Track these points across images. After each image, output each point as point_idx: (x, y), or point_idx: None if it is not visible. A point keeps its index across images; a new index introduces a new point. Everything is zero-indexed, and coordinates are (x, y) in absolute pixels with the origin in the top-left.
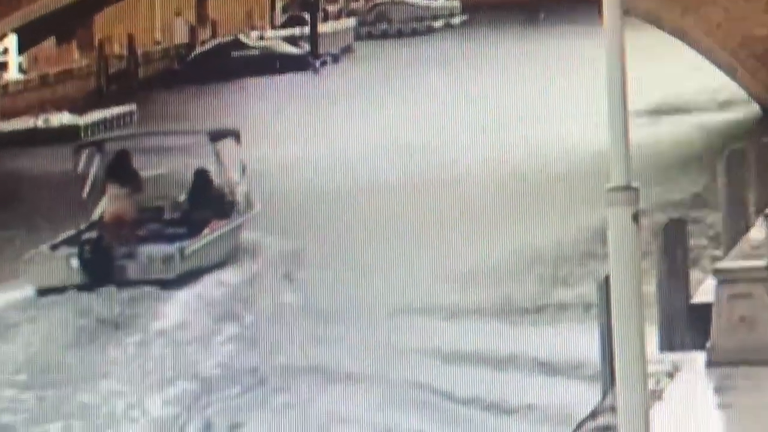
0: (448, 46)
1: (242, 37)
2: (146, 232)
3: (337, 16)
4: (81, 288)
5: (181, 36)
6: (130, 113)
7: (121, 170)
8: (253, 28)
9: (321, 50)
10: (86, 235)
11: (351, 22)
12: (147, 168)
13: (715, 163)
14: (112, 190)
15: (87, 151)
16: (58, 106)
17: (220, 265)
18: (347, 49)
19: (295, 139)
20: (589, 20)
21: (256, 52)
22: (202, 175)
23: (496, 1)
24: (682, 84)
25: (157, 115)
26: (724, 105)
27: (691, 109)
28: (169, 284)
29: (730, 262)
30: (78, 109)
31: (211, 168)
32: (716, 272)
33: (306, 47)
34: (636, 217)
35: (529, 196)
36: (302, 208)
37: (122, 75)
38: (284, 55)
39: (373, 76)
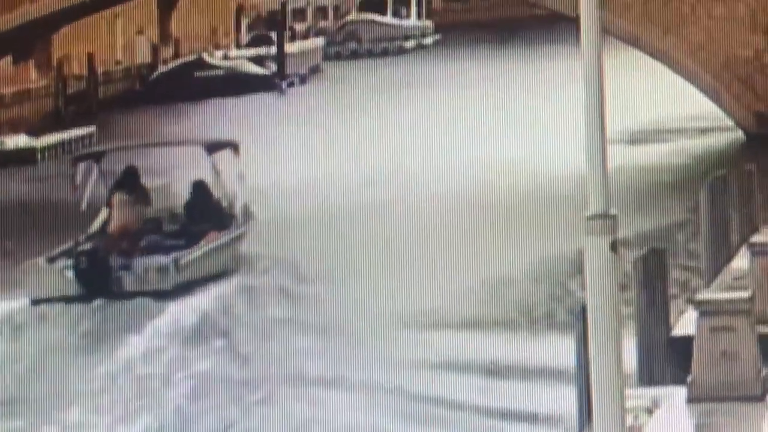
0: (420, 67)
1: (206, 57)
2: (146, 244)
3: (305, 35)
4: (76, 300)
5: (143, 55)
6: (90, 135)
7: (129, 186)
8: (217, 47)
9: (288, 70)
10: (83, 247)
11: (319, 41)
12: (146, 179)
13: (697, 190)
14: (120, 201)
15: (85, 163)
16: (15, 128)
17: (217, 276)
18: (315, 70)
19: (260, 162)
20: (566, 40)
21: (220, 72)
22: (200, 187)
23: (470, 20)
24: (663, 107)
25: (118, 137)
26: (707, 130)
27: (673, 134)
28: (163, 295)
29: (712, 293)
30: (35, 131)
31: (209, 179)
32: (698, 304)
33: (272, 67)
34: (614, 246)
35: (502, 219)
36: (269, 229)
37: (81, 96)
38: (250, 76)
39: (342, 97)
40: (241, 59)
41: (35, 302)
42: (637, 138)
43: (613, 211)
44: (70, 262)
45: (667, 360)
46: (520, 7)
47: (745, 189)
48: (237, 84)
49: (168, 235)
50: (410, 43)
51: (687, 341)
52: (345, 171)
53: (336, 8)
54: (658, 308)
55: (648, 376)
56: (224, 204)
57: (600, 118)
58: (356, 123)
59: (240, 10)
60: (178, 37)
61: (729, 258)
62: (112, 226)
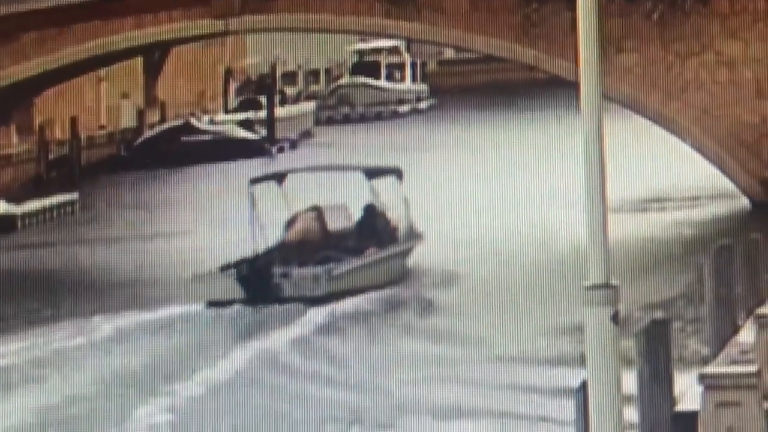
0: (415, 132)
1: (193, 121)
2: (321, 256)
3: (296, 99)
4: (241, 303)
5: (128, 119)
6: (72, 202)
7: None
8: (205, 111)
9: (278, 135)
10: (253, 258)
11: (310, 105)
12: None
13: (701, 260)
14: (305, 216)
15: (263, 184)
16: None
17: (379, 286)
18: (306, 135)
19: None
20: (566, 105)
21: (208, 137)
22: (370, 209)
23: (467, 84)
24: (665, 175)
25: (101, 204)
26: (712, 198)
27: (676, 203)
28: (315, 301)
29: (718, 367)
30: (15, 197)
31: (370, 201)
32: (703, 378)
33: (262, 132)
34: (615, 318)
35: (502, 289)
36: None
37: (64, 161)
38: (238, 140)
39: (333, 163)
40: (229, 124)
41: (209, 304)
42: (639, 207)
43: (614, 281)
44: (237, 270)
45: None
46: (519, 71)
47: (751, 259)
48: (225, 149)
49: (341, 250)
50: (405, 108)
51: (692, 417)
52: None
53: (328, 71)
54: (662, 382)
55: None
56: (386, 224)
57: (600, 186)
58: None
59: (228, 74)
60: (164, 101)
61: (735, 331)
62: (293, 237)
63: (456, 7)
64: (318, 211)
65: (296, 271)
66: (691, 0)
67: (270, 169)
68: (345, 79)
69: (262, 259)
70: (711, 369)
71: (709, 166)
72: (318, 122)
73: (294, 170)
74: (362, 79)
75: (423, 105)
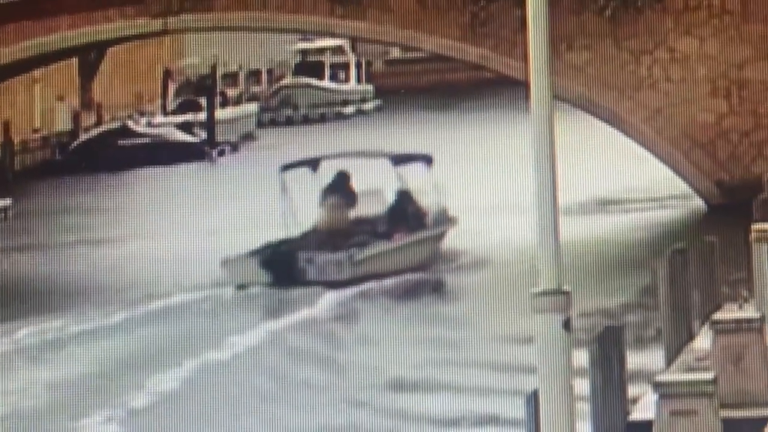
0: (360, 134)
1: (130, 124)
2: (355, 240)
3: (237, 100)
4: (267, 285)
5: (63, 122)
6: (4, 209)
7: (339, 189)
8: (142, 113)
9: (218, 138)
10: (278, 243)
11: (252, 107)
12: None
13: (655, 264)
14: (330, 203)
15: (296, 170)
16: None
17: (403, 271)
18: (248, 137)
19: (187, 233)
20: (515, 105)
21: (146, 140)
22: (403, 194)
23: (413, 84)
24: (618, 177)
25: (36, 210)
26: (666, 200)
27: (629, 205)
28: (337, 285)
29: (673, 374)
30: None
31: (395, 188)
32: (657, 386)
33: (202, 135)
34: (567, 325)
35: (451, 294)
36: None
37: None
38: (177, 144)
39: (276, 166)
40: (168, 126)
41: (238, 287)
42: (590, 209)
43: (565, 287)
44: (261, 255)
45: None
46: (467, 71)
47: (707, 263)
48: (164, 152)
49: (371, 235)
50: (349, 109)
51: (646, 426)
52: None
53: (270, 72)
54: (615, 390)
55: None
56: (417, 209)
57: (551, 188)
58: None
59: (167, 75)
60: (100, 103)
61: (690, 337)
62: (323, 225)
63: (403, 6)
64: (349, 197)
65: (320, 256)
66: None
67: (210, 173)
68: (288, 80)
69: (287, 245)
70: (666, 377)
71: (663, 167)
72: (260, 124)
73: (327, 156)
74: (305, 80)
75: (368, 106)
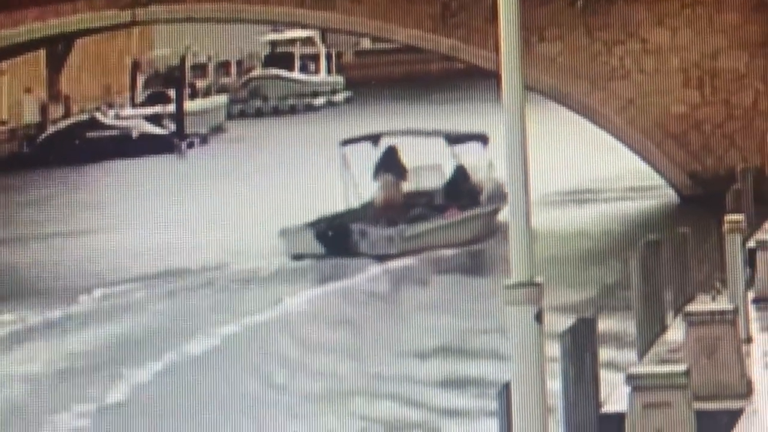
0: (330, 125)
1: (99, 116)
2: (413, 214)
3: (206, 92)
4: (321, 257)
5: (30, 115)
6: None
7: (391, 164)
8: (111, 105)
9: (188, 130)
10: (333, 217)
11: (222, 99)
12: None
13: (628, 255)
14: (384, 179)
15: (356, 144)
16: None
17: (455, 245)
18: (218, 129)
19: (157, 227)
20: (487, 96)
21: (114, 133)
22: (460, 170)
23: (384, 75)
24: (590, 168)
25: (3, 202)
26: (638, 191)
27: (601, 196)
28: (386, 258)
29: (646, 366)
30: None
31: (450, 165)
32: (630, 378)
33: (171, 127)
34: (539, 317)
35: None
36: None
37: None
38: (146, 136)
39: (246, 158)
40: (137, 118)
41: (294, 257)
42: (563, 200)
43: (538, 279)
44: (315, 228)
45: None
46: (438, 62)
47: (680, 254)
48: (132, 145)
49: (432, 208)
50: (320, 100)
51: (618, 418)
52: (245, 237)
53: (239, 63)
54: (587, 383)
55: None
56: (472, 186)
57: (523, 179)
58: (261, 185)
59: (136, 66)
60: (68, 95)
61: (663, 329)
62: (379, 200)
63: None
64: (400, 172)
65: (373, 230)
66: None
67: (179, 166)
68: (257, 71)
69: (341, 218)
70: (639, 369)
71: (635, 158)
72: (230, 116)
73: (387, 133)
74: (275, 71)
75: (338, 97)
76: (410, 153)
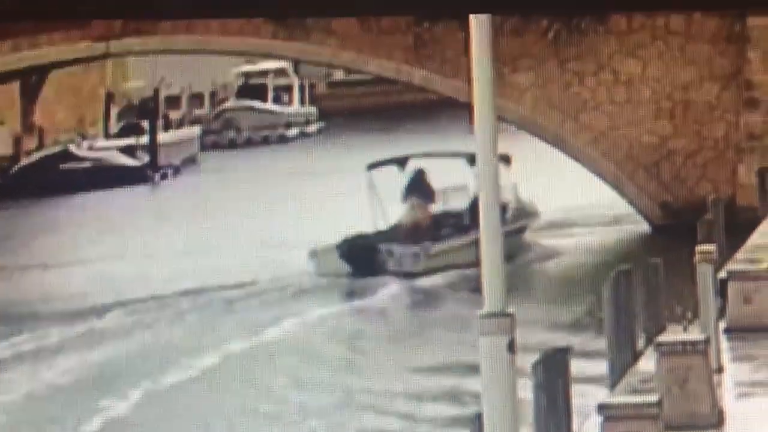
0: (303, 156)
1: (72, 148)
2: (444, 233)
3: (180, 123)
4: (346, 275)
5: (4, 146)
6: None
7: (418, 187)
8: (84, 137)
9: (161, 161)
10: (354, 237)
11: (195, 130)
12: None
13: (599, 285)
14: (412, 204)
15: (383, 168)
16: None
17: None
18: (191, 160)
19: (130, 259)
20: (459, 127)
21: (88, 165)
22: None
23: (357, 106)
24: (562, 198)
25: None
26: (610, 222)
27: (573, 227)
28: (412, 276)
29: (617, 397)
30: None
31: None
32: (602, 408)
33: (145, 158)
34: (511, 347)
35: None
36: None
37: None
38: (120, 168)
39: (218, 189)
40: (110, 150)
41: (321, 275)
42: (534, 229)
43: (510, 309)
44: (338, 248)
45: None
46: (410, 93)
47: (651, 284)
48: (106, 177)
49: (460, 229)
50: (293, 131)
51: None
52: (221, 268)
53: (213, 95)
54: (559, 413)
55: None
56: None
57: (496, 210)
58: (232, 216)
59: (109, 98)
60: (42, 127)
61: (635, 359)
62: (407, 222)
63: (346, 28)
64: (428, 194)
65: (398, 249)
66: (587, 18)
67: (153, 196)
68: (230, 103)
69: (366, 239)
70: (611, 399)
71: (607, 189)
72: (203, 147)
73: (414, 155)
74: (248, 102)
75: (312, 128)
76: (436, 175)
